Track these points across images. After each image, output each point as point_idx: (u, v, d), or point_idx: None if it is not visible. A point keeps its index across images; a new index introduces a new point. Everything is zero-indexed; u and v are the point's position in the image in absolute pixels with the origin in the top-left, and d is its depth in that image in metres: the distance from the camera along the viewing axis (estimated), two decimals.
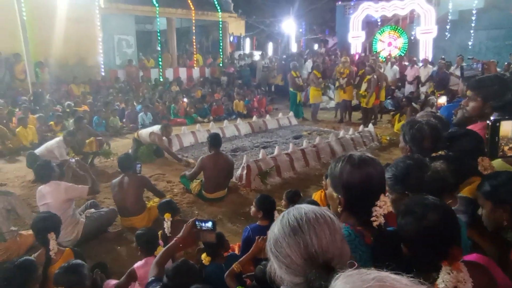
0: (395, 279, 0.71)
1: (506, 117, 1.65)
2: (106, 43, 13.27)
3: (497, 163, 1.99)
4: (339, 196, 1.42)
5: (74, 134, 6.00)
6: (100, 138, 6.86)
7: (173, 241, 2.71)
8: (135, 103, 10.56)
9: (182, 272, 2.19)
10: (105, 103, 9.84)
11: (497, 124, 1.51)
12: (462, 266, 1.26)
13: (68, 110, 8.96)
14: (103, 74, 13.03)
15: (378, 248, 1.36)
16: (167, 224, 3.31)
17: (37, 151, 5.80)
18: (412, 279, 0.72)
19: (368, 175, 1.37)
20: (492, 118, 1.51)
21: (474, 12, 15.70)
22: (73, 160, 4.59)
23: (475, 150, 2.01)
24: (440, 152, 1.96)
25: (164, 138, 6.56)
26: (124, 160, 4.40)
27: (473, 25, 15.81)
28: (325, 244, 0.99)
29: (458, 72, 9.64)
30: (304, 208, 1.07)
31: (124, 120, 9.65)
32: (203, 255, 2.81)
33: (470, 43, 15.78)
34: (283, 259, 1.01)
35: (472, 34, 15.88)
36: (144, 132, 6.74)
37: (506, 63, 11.10)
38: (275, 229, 1.07)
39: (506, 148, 1.51)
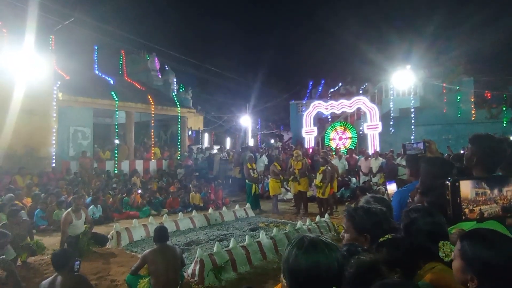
0: None
1: (464, 176, 1.53)
2: (60, 134, 13.01)
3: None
4: (286, 282, 1.29)
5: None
6: None
7: None
8: (85, 195, 10.02)
9: None
10: (48, 195, 9.25)
11: (456, 184, 1.36)
12: None
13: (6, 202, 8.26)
14: (53, 165, 12.51)
15: None
16: None
17: None
18: None
19: (314, 262, 1.24)
20: (449, 178, 1.40)
21: (412, 110, 17.45)
22: None
23: (434, 233, 1.91)
24: (387, 236, 1.86)
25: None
26: (59, 256, 3.91)
27: (413, 121, 17.48)
28: None
29: (404, 162, 10.22)
30: None
31: None
32: None
33: (412, 137, 17.22)
34: None
35: (413, 129, 17.46)
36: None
37: (446, 155, 11.99)
38: None
39: (467, 210, 1.36)
